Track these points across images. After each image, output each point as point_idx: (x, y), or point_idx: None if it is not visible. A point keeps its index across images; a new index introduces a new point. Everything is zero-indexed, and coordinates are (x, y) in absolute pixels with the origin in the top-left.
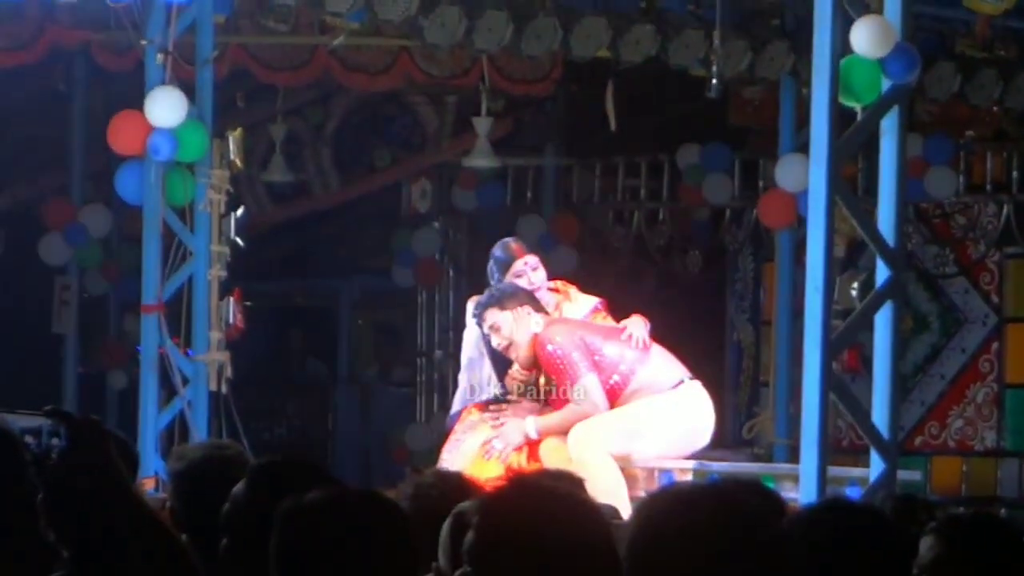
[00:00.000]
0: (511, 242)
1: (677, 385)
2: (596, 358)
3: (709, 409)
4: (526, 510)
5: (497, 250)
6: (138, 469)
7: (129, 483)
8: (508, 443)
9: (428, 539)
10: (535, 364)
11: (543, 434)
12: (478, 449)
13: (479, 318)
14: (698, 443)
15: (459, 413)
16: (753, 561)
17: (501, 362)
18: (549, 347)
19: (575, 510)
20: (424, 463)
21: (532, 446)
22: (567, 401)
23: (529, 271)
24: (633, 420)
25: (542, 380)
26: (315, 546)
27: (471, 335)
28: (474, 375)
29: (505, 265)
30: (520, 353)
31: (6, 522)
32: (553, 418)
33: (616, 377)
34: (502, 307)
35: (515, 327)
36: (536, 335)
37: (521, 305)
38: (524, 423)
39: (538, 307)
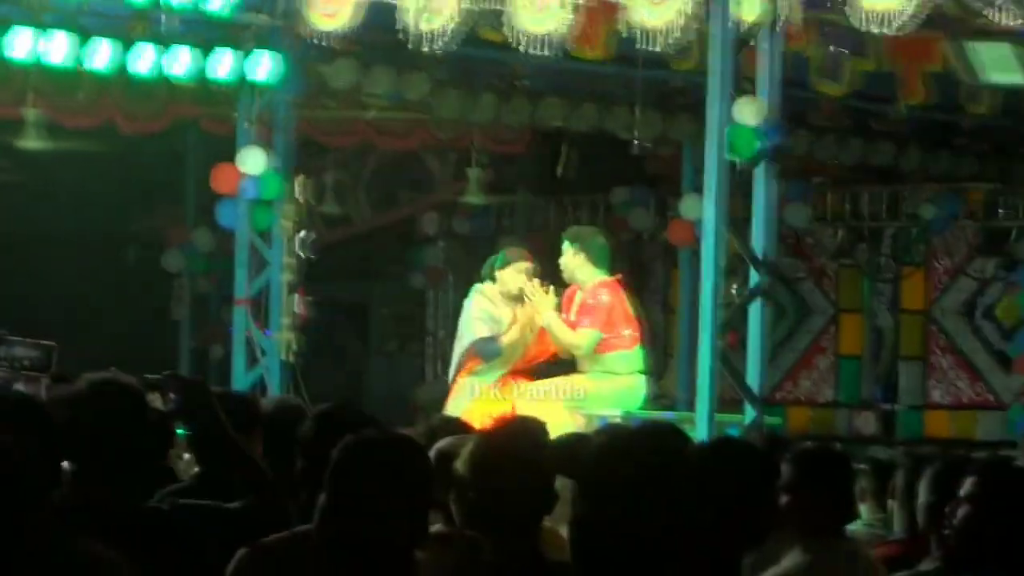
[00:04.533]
0: (521, 248)
1: (628, 374)
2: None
3: (641, 393)
4: (503, 445)
5: (509, 250)
6: (258, 417)
7: (225, 425)
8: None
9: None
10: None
11: (549, 325)
12: (470, 399)
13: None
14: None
15: (454, 379)
16: (671, 474)
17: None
18: (603, 295)
19: (535, 444)
20: (432, 411)
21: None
22: (575, 326)
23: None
24: (580, 386)
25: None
26: (366, 473)
27: (465, 313)
28: (463, 342)
29: (513, 261)
30: (576, 279)
31: (136, 452)
32: (562, 327)
33: (613, 340)
34: (577, 247)
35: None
36: (600, 282)
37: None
38: (544, 310)
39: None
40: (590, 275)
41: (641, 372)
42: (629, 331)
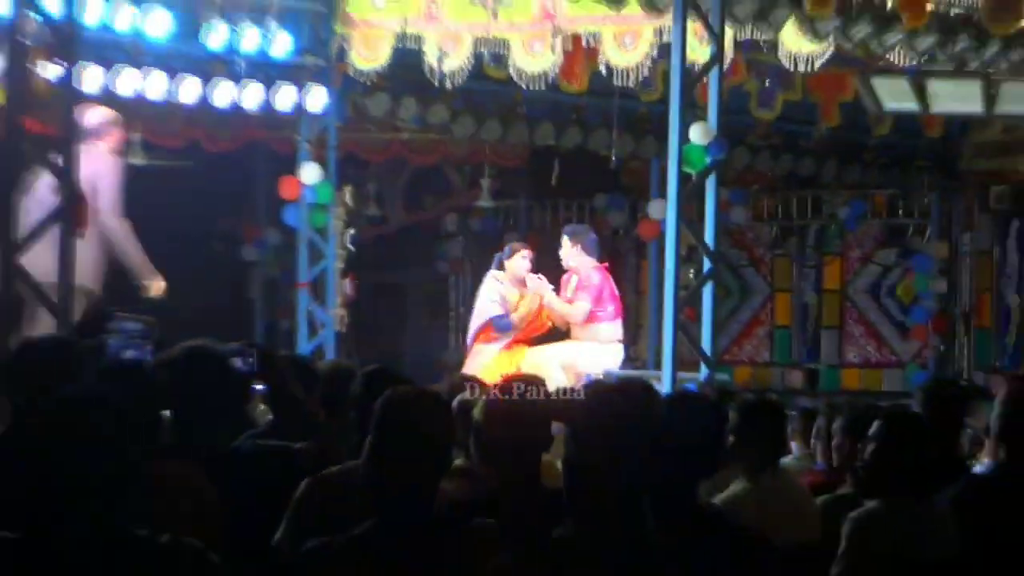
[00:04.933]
0: (522, 243)
1: (609, 343)
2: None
3: (618, 358)
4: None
5: (514, 244)
6: (317, 377)
7: (292, 382)
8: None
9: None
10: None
11: (550, 303)
12: (482, 361)
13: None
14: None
15: (471, 345)
16: (646, 421)
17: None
18: (594, 277)
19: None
20: (454, 371)
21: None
22: (571, 301)
23: (529, 259)
24: (572, 350)
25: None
26: (403, 420)
27: (482, 295)
28: (479, 317)
29: (517, 251)
30: (571, 265)
31: (221, 404)
32: (559, 302)
33: (600, 313)
34: (573, 239)
35: (573, 252)
36: (592, 267)
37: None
38: (546, 292)
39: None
40: (584, 262)
41: (620, 341)
42: (612, 307)
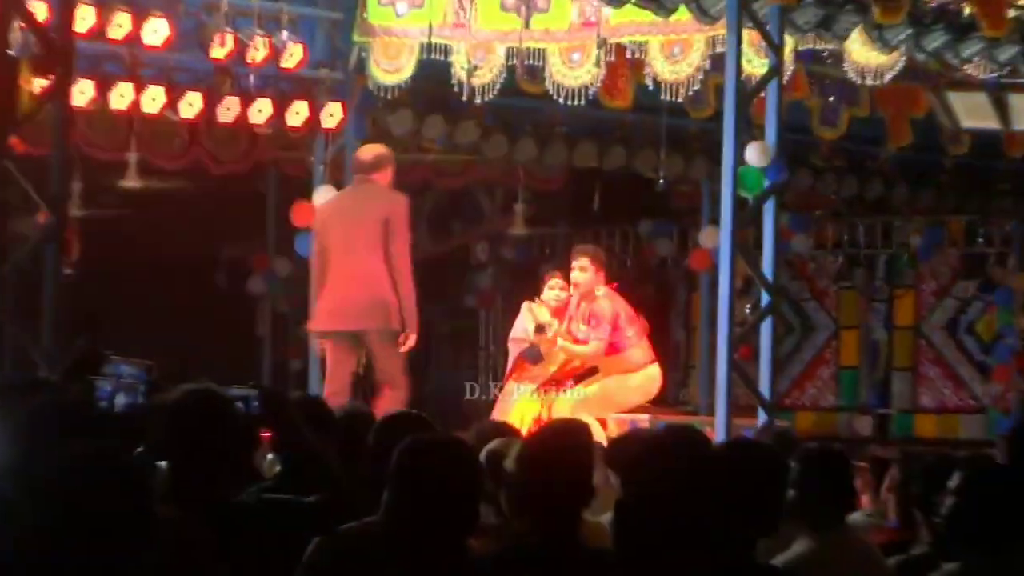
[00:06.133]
0: (551, 269)
1: (642, 367)
2: (619, 324)
3: (658, 384)
4: (548, 445)
5: (545, 271)
6: (332, 421)
7: (303, 428)
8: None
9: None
10: (584, 311)
11: (564, 350)
12: (513, 403)
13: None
14: (648, 399)
15: (503, 384)
16: (698, 473)
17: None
18: (603, 305)
19: (577, 444)
20: (483, 416)
21: (550, 408)
22: (586, 342)
23: (557, 287)
24: (607, 394)
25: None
26: (425, 471)
27: (518, 326)
28: (512, 353)
29: (545, 280)
30: (583, 289)
31: (225, 452)
32: (574, 347)
33: (623, 340)
34: (596, 261)
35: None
36: (607, 291)
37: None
38: (559, 340)
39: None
40: (594, 288)
41: (654, 362)
42: (633, 329)
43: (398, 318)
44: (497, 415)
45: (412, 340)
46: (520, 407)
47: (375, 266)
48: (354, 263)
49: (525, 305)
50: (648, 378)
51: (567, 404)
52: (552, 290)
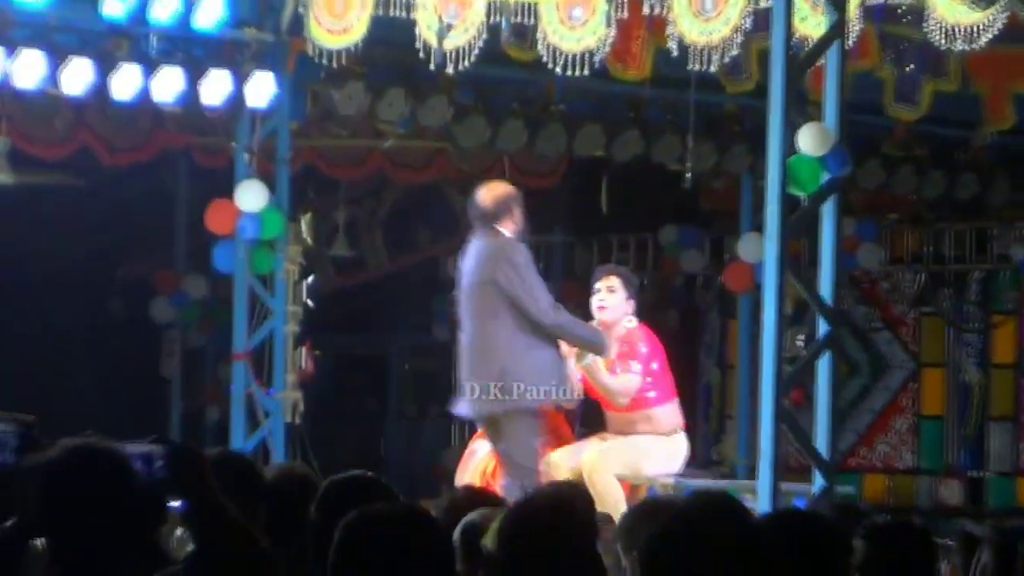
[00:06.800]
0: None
1: (673, 432)
2: (652, 371)
3: (685, 454)
4: (538, 518)
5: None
6: (260, 488)
7: (218, 496)
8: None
9: None
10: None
11: (585, 369)
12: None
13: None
14: (672, 472)
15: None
16: (732, 553)
17: None
18: (640, 338)
19: (575, 518)
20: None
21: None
22: (614, 373)
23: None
24: (634, 452)
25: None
26: (378, 552)
27: None
28: None
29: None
30: (606, 317)
31: (119, 528)
32: (602, 371)
33: (651, 393)
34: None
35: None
36: (640, 327)
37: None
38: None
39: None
40: (624, 318)
41: (685, 428)
42: (666, 382)
43: None
44: (466, 475)
45: None
46: (490, 467)
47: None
48: None
49: None
50: (676, 449)
51: (564, 462)
52: None
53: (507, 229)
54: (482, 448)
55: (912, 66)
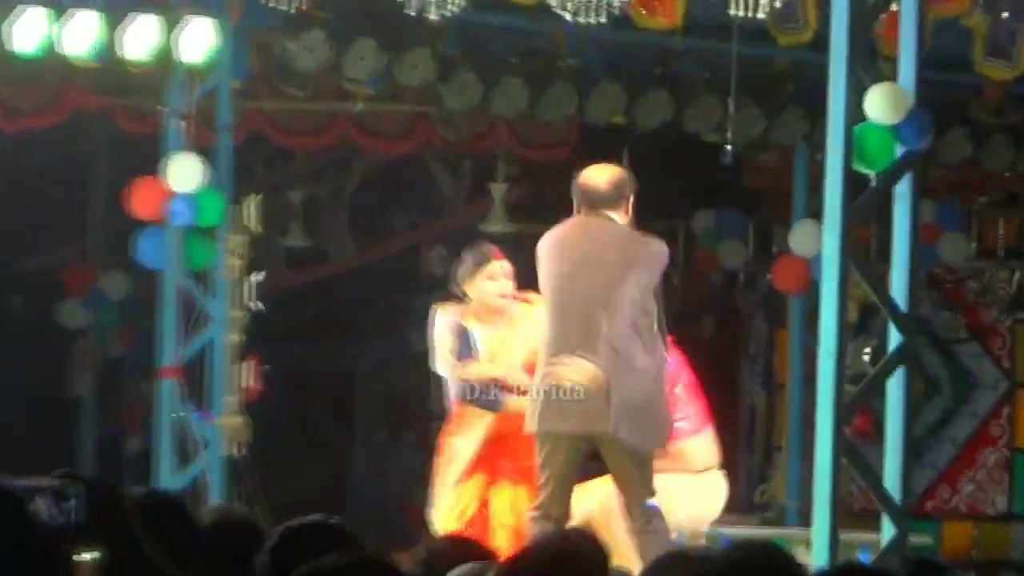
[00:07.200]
0: (487, 244)
1: (707, 470)
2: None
3: (723, 497)
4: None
5: (472, 252)
6: (193, 533)
7: (142, 545)
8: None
9: None
10: None
11: None
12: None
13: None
14: (707, 520)
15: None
16: None
17: None
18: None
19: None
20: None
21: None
22: None
23: (502, 275)
24: (659, 494)
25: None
26: None
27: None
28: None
29: (478, 265)
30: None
31: None
32: None
33: (679, 424)
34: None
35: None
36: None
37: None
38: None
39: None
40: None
41: (720, 466)
42: (695, 410)
43: None
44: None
45: None
46: (466, 497)
47: None
48: None
49: (437, 312)
50: (710, 489)
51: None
52: (494, 280)
53: (620, 217)
54: (450, 477)
55: (1008, 13)
